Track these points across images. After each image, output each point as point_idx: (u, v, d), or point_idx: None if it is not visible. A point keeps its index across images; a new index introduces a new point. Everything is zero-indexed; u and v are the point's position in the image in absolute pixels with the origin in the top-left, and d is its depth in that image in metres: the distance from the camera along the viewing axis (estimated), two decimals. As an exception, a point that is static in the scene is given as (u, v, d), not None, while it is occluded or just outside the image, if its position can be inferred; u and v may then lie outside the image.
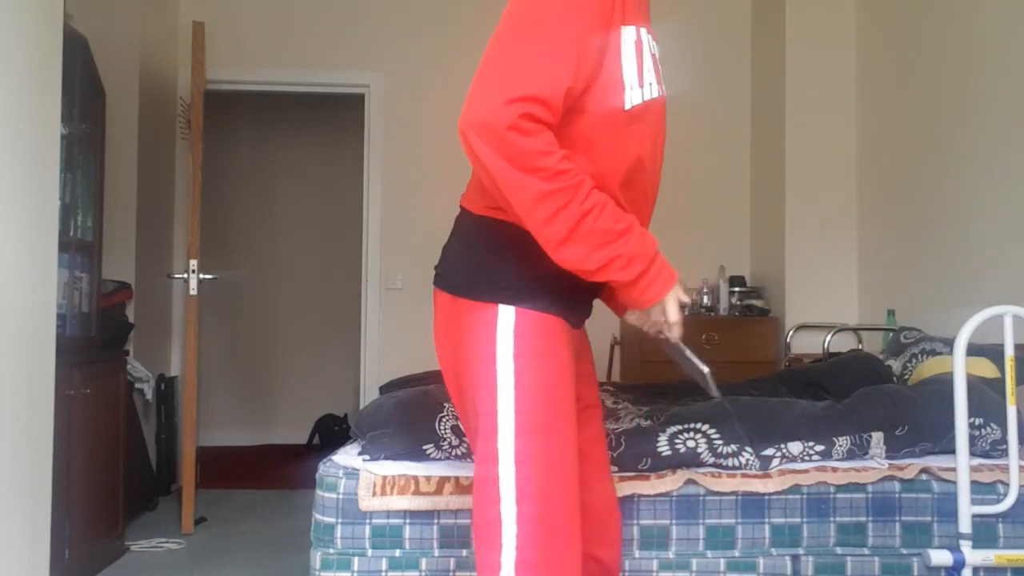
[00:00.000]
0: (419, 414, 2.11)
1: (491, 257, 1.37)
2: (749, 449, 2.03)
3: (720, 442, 2.03)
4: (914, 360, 2.92)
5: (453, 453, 2.07)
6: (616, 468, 2.00)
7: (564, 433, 1.32)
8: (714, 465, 2.03)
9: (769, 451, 2.04)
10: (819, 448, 2.06)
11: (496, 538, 1.26)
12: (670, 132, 4.94)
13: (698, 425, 2.06)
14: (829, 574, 2.00)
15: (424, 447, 2.06)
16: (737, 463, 2.02)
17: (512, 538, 1.25)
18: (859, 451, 2.08)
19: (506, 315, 1.32)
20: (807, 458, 2.06)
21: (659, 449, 2.01)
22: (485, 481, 1.29)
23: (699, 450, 2.02)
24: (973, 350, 2.45)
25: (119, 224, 3.86)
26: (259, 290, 5.97)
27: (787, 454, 2.05)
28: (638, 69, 1.35)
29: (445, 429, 2.07)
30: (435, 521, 1.97)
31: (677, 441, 2.03)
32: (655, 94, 1.39)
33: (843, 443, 2.07)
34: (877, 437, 2.07)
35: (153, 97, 4.17)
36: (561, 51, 1.21)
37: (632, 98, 1.34)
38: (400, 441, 2.06)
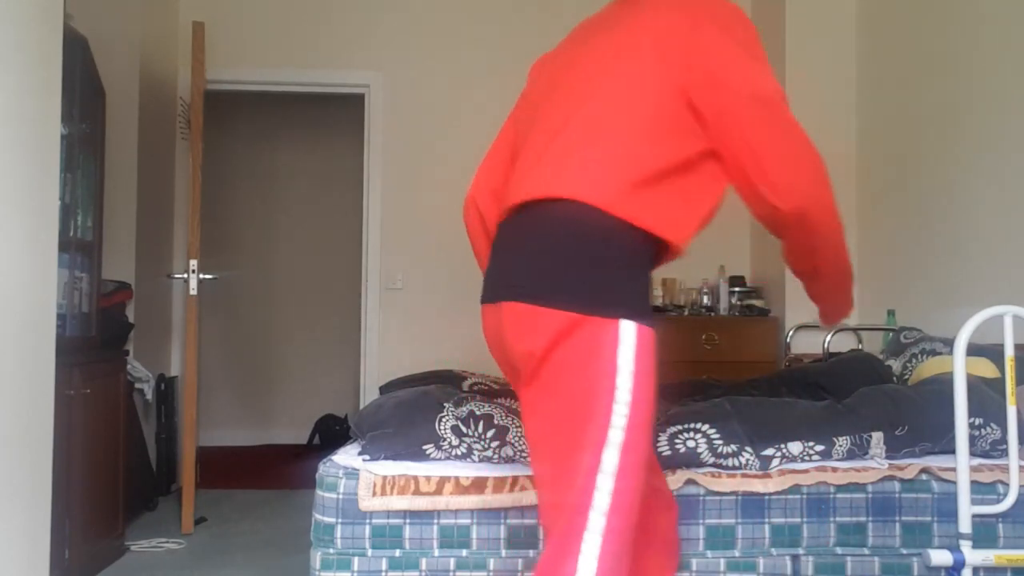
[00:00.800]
0: (419, 414, 2.11)
1: (619, 268, 1.33)
2: (749, 449, 2.03)
3: (720, 442, 2.03)
4: (914, 360, 2.92)
5: (453, 453, 2.07)
6: None
7: (648, 450, 1.36)
8: (714, 465, 2.03)
9: (769, 451, 2.04)
10: (819, 448, 2.06)
11: (576, 545, 1.27)
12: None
13: (698, 425, 2.06)
14: (829, 574, 2.00)
15: (424, 447, 2.06)
16: (737, 463, 2.02)
17: (595, 547, 1.27)
18: (859, 451, 2.08)
19: (628, 331, 1.33)
20: (807, 458, 2.06)
21: (659, 449, 2.01)
22: (580, 490, 1.29)
23: (699, 450, 2.02)
24: (973, 350, 2.45)
25: (119, 224, 3.87)
26: (259, 290, 5.97)
27: (787, 454, 2.05)
28: None
29: (445, 429, 2.07)
30: (435, 521, 1.97)
31: (677, 441, 2.03)
32: None
33: (843, 443, 2.07)
34: (877, 437, 2.07)
35: (153, 97, 4.17)
36: None
37: None
38: (400, 441, 2.06)
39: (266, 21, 4.51)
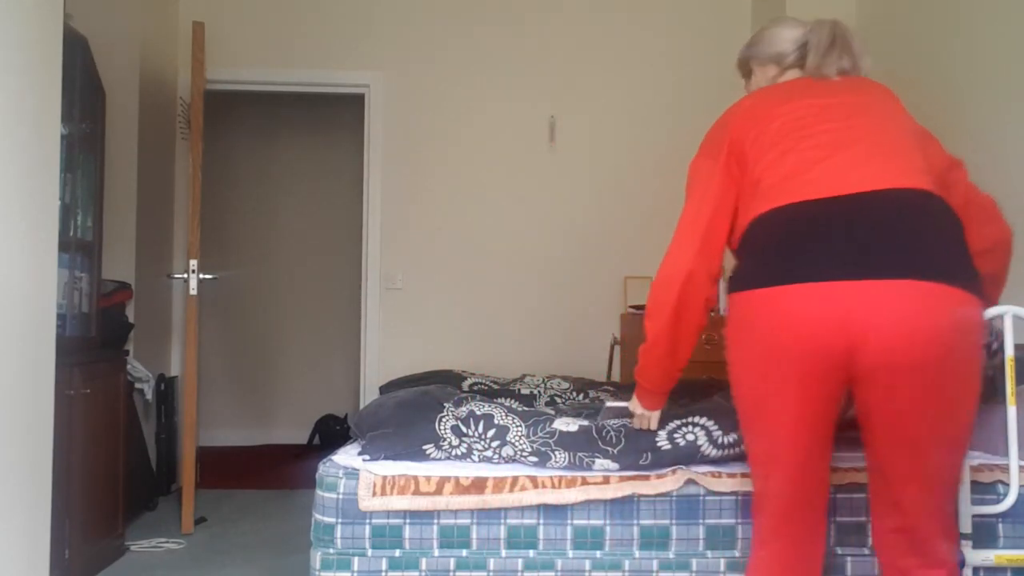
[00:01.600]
0: (419, 414, 2.11)
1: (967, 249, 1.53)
2: None
3: (719, 432, 2.03)
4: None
5: (453, 453, 2.07)
6: (616, 466, 2.01)
7: None
8: (716, 460, 2.03)
9: None
10: None
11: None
12: (670, 132, 4.92)
13: (696, 419, 2.06)
14: (829, 574, 2.00)
15: (424, 447, 2.06)
16: (738, 452, 2.01)
17: None
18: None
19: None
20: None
21: (658, 443, 2.01)
22: (957, 482, 1.57)
23: (699, 443, 2.02)
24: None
25: (119, 224, 3.87)
26: (259, 290, 5.97)
27: None
28: None
29: (445, 429, 2.07)
30: (435, 521, 1.97)
31: (676, 435, 2.03)
32: None
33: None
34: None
35: (153, 97, 4.18)
36: None
37: None
38: (400, 441, 2.06)
39: (266, 21, 4.51)
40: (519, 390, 2.84)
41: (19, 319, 2.18)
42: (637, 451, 2.01)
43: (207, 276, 3.88)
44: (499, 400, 2.30)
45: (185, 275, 3.80)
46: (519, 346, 4.45)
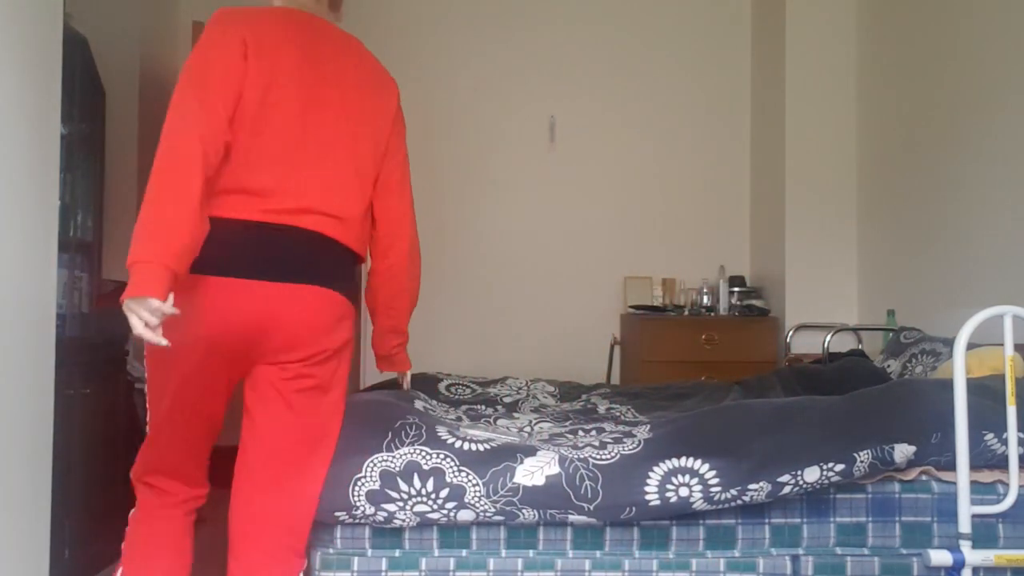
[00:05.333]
0: (339, 463, 1.89)
1: None
2: (753, 487, 1.87)
3: (718, 488, 1.86)
4: (914, 360, 2.92)
5: (371, 521, 1.90)
6: (594, 522, 1.89)
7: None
8: (707, 513, 1.94)
9: (784, 477, 1.88)
10: (838, 468, 1.90)
11: None
12: (671, 133, 4.91)
13: (696, 464, 1.87)
14: (829, 574, 2.00)
15: (336, 513, 1.89)
16: (735, 506, 1.92)
17: None
18: (882, 465, 1.93)
19: None
20: (825, 480, 1.90)
21: (647, 496, 1.85)
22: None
23: (692, 499, 1.86)
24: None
25: (119, 224, 3.86)
26: (259, 290, 5.96)
27: (801, 482, 1.89)
28: None
29: (359, 496, 1.87)
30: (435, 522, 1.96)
31: (669, 487, 1.86)
32: None
33: (864, 457, 1.91)
34: (900, 449, 1.93)
35: (153, 97, 4.17)
36: None
37: None
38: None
39: (266, 21, 4.51)
40: (501, 397, 2.76)
41: (19, 319, 2.18)
42: (618, 506, 1.85)
43: (207, 276, 3.87)
44: (449, 435, 1.95)
45: (185, 275, 3.79)
46: (519, 346, 4.45)
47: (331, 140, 1.80)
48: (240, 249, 1.70)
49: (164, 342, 1.63)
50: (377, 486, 1.87)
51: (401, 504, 1.87)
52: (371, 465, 1.89)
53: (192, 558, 2.02)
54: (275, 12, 1.82)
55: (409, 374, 2.36)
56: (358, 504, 1.87)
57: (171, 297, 1.68)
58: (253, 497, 1.93)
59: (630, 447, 1.95)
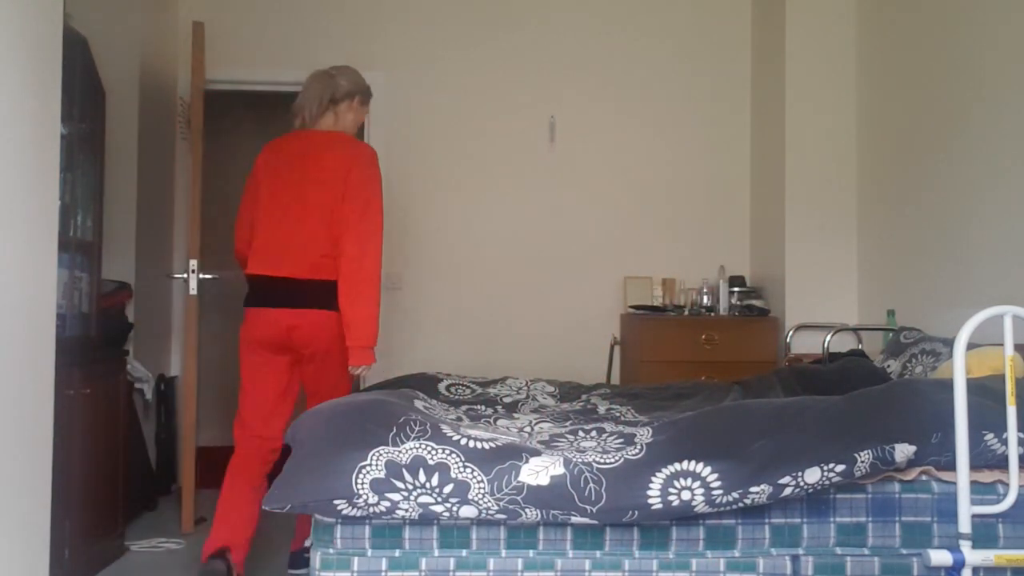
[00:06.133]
0: (343, 451, 1.91)
1: None
2: (755, 490, 1.87)
3: (720, 491, 1.87)
4: (914, 360, 2.92)
5: (371, 511, 1.90)
6: (596, 523, 1.90)
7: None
8: (708, 515, 1.95)
9: (785, 479, 1.88)
10: (839, 468, 1.90)
11: None
12: (671, 133, 4.92)
13: (698, 467, 1.88)
14: (829, 574, 2.00)
15: (335, 501, 1.88)
16: (737, 509, 1.93)
17: None
18: (883, 465, 1.93)
19: None
20: (826, 481, 1.90)
21: (649, 500, 1.86)
22: None
23: (694, 503, 1.87)
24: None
25: (119, 224, 3.86)
26: (259, 290, 5.96)
27: (802, 483, 1.89)
28: None
29: (363, 484, 1.87)
30: (435, 521, 1.97)
31: (671, 490, 1.87)
32: None
33: (865, 457, 1.91)
34: (901, 449, 1.93)
35: (153, 97, 4.17)
36: None
37: None
38: (309, 491, 1.88)
39: (266, 21, 4.51)
40: (501, 398, 2.76)
41: (19, 319, 2.18)
42: (621, 509, 1.86)
43: (207, 276, 3.88)
44: (453, 432, 1.97)
45: (185, 275, 3.80)
46: (519, 346, 4.45)
47: (291, 208, 2.81)
48: (253, 290, 2.85)
49: None
50: (383, 475, 1.88)
51: (405, 495, 1.87)
52: (377, 455, 1.89)
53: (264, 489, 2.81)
54: (285, 136, 2.97)
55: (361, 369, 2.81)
56: (360, 492, 1.87)
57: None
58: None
59: (633, 451, 1.95)
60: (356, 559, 1.96)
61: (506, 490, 1.86)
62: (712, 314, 4.21)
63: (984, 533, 1.96)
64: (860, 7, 4.09)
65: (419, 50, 4.54)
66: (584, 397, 2.83)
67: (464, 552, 1.97)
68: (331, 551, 1.97)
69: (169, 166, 4.46)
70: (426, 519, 1.94)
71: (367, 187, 2.78)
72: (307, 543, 2.51)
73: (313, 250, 2.73)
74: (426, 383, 2.78)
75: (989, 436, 1.98)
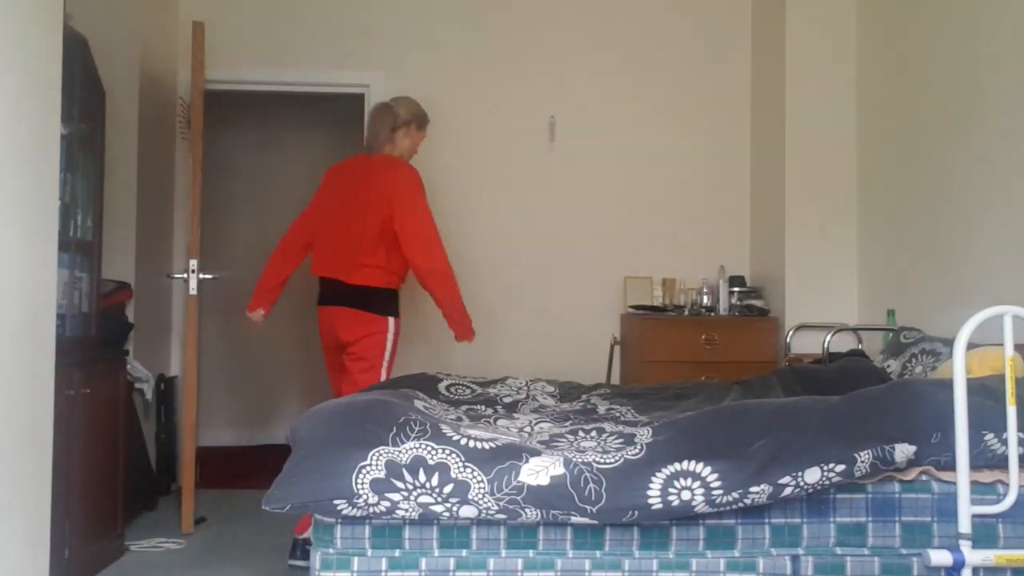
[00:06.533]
0: (343, 450, 1.91)
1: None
2: (755, 490, 1.88)
3: (720, 491, 1.87)
4: (914, 360, 2.92)
5: (371, 511, 1.90)
6: (596, 523, 1.91)
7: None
8: (708, 515, 1.95)
9: (785, 479, 1.89)
10: (839, 468, 1.90)
11: None
12: (671, 133, 4.93)
13: (698, 467, 1.88)
14: (829, 574, 2.00)
15: (335, 502, 1.88)
16: (737, 509, 1.93)
17: None
18: (883, 465, 1.94)
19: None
20: (826, 481, 1.91)
21: (649, 500, 1.86)
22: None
23: (694, 503, 1.87)
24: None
25: (119, 224, 3.86)
26: (259, 290, 5.96)
27: (802, 483, 1.89)
28: None
29: (363, 484, 1.88)
30: (435, 521, 1.97)
31: (671, 490, 1.87)
32: None
33: (865, 457, 1.91)
34: (901, 449, 1.93)
35: (153, 97, 4.17)
36: None
37: None
38: (309, 490, 1.88)
39: (266, 21, 4.51)
40: (501, 398, 2.76)
41: (19, 319, 2.18)
42: (621, 509, 1.86)
43: (207, 276, 3.88)
44: (453, 432, 1.97)
45: (185, 275, 3.80)
46: (519, 346, 4.45)
47: (343, 222, 3.29)
48: (319, 290, 3.36)
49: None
50: (383, 475, 1.88)
51: (405, 494, 1.87)
52: (377, 455, 1.89)
53: None
54: (348, 159, 3.46)
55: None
56: (360, 492, 1.87)
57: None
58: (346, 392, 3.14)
59: (633, 451, 1.95)
60: (356, 559, 1.96)
61: (506, 490, 1.86)
62: (712, 314, 4.21)
63: (984, 533, 1.96)
64: (860, 7, 4.09)
65: (419, 50, 4.54)
66: (584, 397, 2.83)
67: (464, 552, 1.97)
68: (331, 551, 1.97)
69: (169, 166, 4.46)
70: (426, 519, 1.94)
71: (411, 203, 3.19)
72: (307, 535, 2.82)
73: (358, 259, 3.18)
74: (426, 383, 2.78)
75: (989, 436, 1.98)
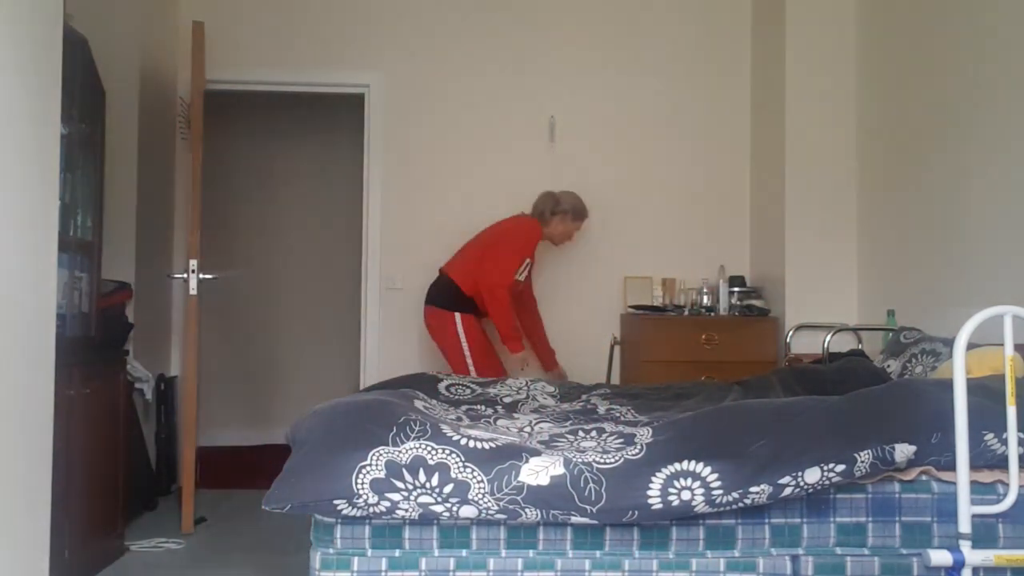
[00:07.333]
0: (343, 451, 1.90)
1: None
2: (755, 490, 1.88)
3: (720, 491, 1.88)
4: (914, 360, 2.92)
5: (371, 511, 1.90)
6: (596, 523, 1.91)
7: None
8: (708, 515, 1.95)
9: (785, 479, 1.89)
10: (839, 468, 1.91)
11: None
12: (671, 133, 4.94)
13: (698, 467, 1.88)
14: (829, 574, 2.00)
15: (335, 502, 1.88)
16: (737, 509, 1.93)
17: None
18: (883, 465, 1.94)
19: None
20: (826, 481, 1.91)
21: (649, 500, 1.86)
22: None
23: (694, 503, 1.87)
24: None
25: (119, 224, 3.86)
26: (259, 290, 5.97)
27: (802, 483, 1.90)
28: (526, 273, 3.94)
29: (363, 484, 1.88)
30: (435, 521, 1.97)
31: (671, 490, 1.87)
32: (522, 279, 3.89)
33: (865, 457, 1.92)
34: (901, 449, 1.94)
35: (153, 97, 4.17)
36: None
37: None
38: (309, 490, 1.88)
39: (266, 21, 4.51)
40: (501, 398, 2.76)
41: (19, 319, 2.18)
42: (621, 509, 1.86)
43: (207, 276, 3.88)
44: (453, 432, 1.98)
45: (185, 275, 3.80)
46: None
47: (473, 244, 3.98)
48: None
49: None
50: (383, 475, 1.88)
51: (405, 494, 1.87)
52: (377, 455, 1.89)
53: None
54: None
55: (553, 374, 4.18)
56: (361, 492, 1.87)
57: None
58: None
59: (633, 451, 1.95)
60: (356, 559, 1.97)
61: (506, 490, 1.86)
62: (712, 314, 4.21)
63: (984, 533, 1.96)
64: (860, 7, 4.09)
65: (418, 50, 4.54)
66: (584, 397, 2.83)
67: (464, 552, 1.97)
68: (331, 551, 1.97)
69: (169, 166, 4.46)
70: (426, 519, 1.94)
71: (500, 243, 3.84)
72: None
73: (465, 267, 3.87)
74: (426, 383, 2.78)
75: (989, 436, 1.98)
